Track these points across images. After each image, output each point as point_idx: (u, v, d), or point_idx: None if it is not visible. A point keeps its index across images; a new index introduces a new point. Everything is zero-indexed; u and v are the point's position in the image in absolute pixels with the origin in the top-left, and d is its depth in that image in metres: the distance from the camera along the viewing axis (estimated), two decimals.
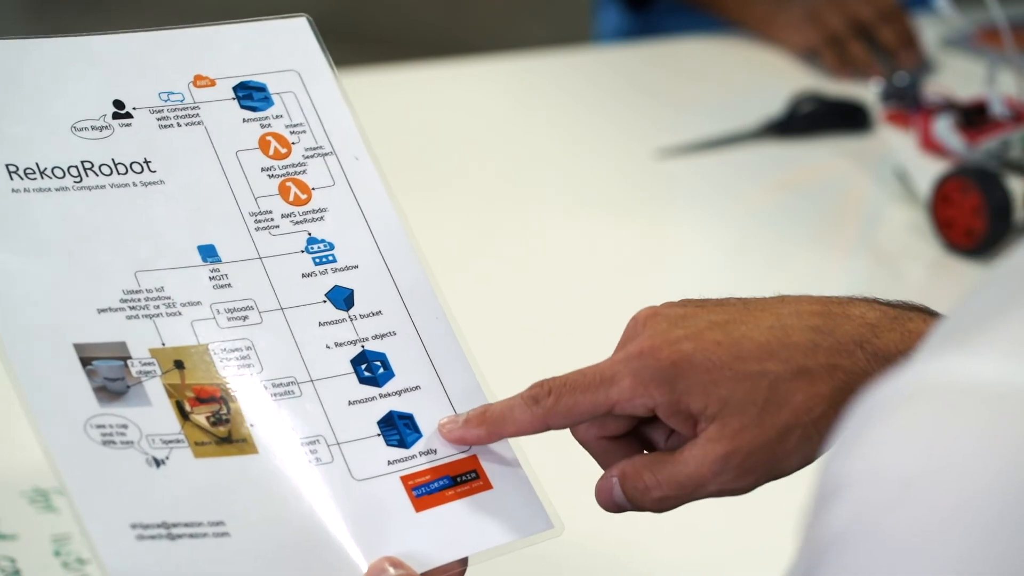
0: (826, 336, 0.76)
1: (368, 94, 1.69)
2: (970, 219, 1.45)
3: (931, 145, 1.55)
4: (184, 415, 0.74)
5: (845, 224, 1.58)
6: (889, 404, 0.52)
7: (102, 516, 0.70)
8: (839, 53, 1.86)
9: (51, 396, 0.72)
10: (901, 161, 1.58)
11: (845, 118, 1.72)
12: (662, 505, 0.77)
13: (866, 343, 0.76)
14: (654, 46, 1.96)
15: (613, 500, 0.77)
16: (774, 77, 1.85)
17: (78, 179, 0.78)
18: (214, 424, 0.74)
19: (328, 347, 0.78)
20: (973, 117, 1.54)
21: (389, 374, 0.79)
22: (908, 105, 1.59)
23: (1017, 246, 0.57)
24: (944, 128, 1.54)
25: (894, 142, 1.60)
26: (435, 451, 0.77)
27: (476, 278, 1.39)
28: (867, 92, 1.72)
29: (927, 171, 1.52)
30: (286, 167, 0.82)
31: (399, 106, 1.74)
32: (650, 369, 0.75)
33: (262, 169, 0.81)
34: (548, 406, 0.76)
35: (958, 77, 1.80)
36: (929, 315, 0.79)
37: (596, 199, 1.59)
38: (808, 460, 0.76)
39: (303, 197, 0.81)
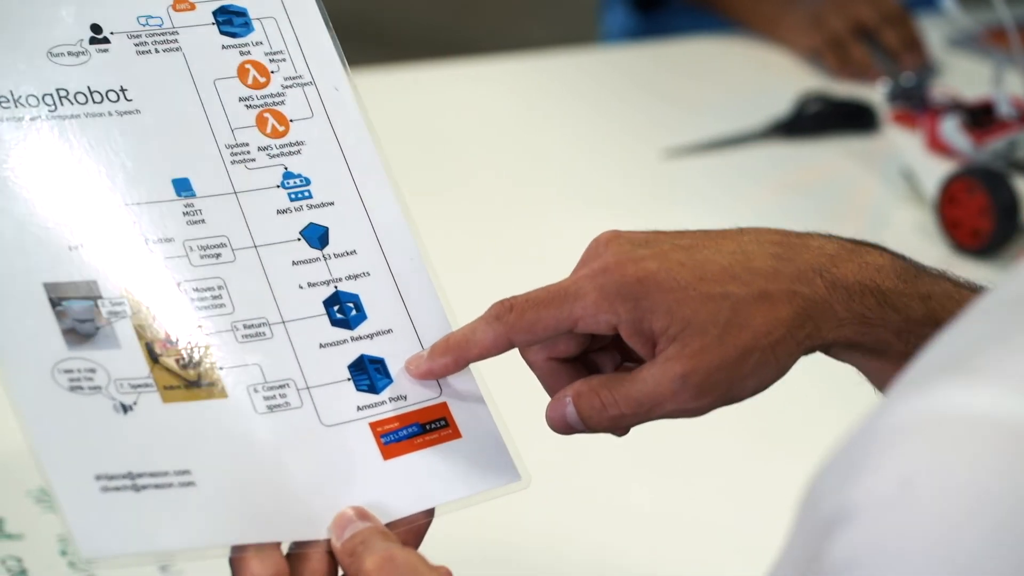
0: (787, 263, 0.77)
1: (373, 94, 1.69)
2: (976, 219, 1.45)
3: (938, 145, 1.55)
4: (154, 358, 0.72)
5: (852, 224, 1.58)
6: (896, 432, 0.52)
7: (67, 468, 0.68)
8: (841, 55, 1.86)
9: (19, 340, 0.70)
10: (908, 161, 1.58)
11: (852, 118, 1.72)
12: (617, 424, 0.76)
13: (825, 272, 0.77)
14: (660, 46, 1.96)
15: (566, 420, 0.77)
16: (781, 77, 1.85)
17: (52, 108, 0.75)
18: (183, 367, 0.72)
19: (301, 287, 0.76)
20: (980, 117, 1.54)
21: (362, 316, 0.77)
22: (915, 105, 1.59)
23: (1013, 271, 0.57)
24: (951, 128, 1.54)
25: (901, 142, 1.60)
26: (405, 397, 0.76)
27: (481, 279, 1.39)
28: (874, 92, 1.72)
29: (934, 171, 1.52)
30: (264, 97, 0.80)
31: (405, 106, 1.74)
32: (615, 284, 0.75)
33: (240, 99, 0.79)
34: (510, 322, 0.76)
35: (965, 77, 1.80)
36: (884, 251, 0.79)
37: (602, 199, 1.58)
38: (762, 386, 0.76)
39: (280, 129, 0.79)
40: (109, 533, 0.67)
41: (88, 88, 0.76)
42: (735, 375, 0.75)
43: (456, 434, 0.76)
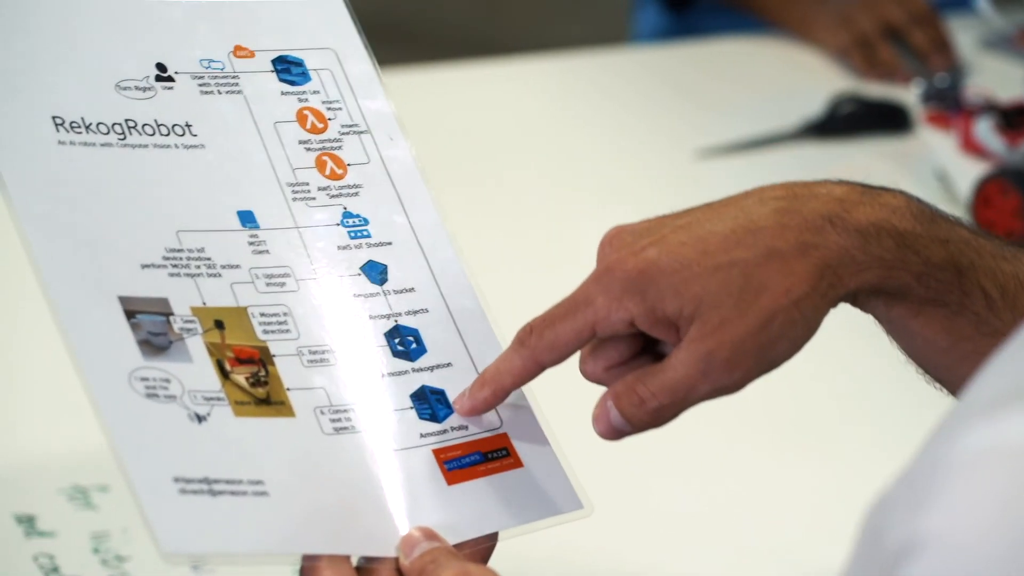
0: (792, 215, 0.74)
1: (403, 94, 1.69)
2: (1010, 221, 1.45)
3: (972, 146, 1.54)
4: (224, 374, 0.74)
5: None
6: (968, 463, 0.51)
7: (146, 469, 0.71)
8: (868, 55, 1.85)
9: (97, 346, 0.73)
10: (941, 162, 1.58)
11: (885, 119, 1.71)
12: (659, 416, 0.75)
13: (836, 218, 0.75)
14: (692, 46, 1.96)
15: (611, 425, 0.76)
16: (813, 77, 1.84)
17: (122, 136, 0.79)
18: (253, 385, 0.75)
19: (362, 319, 0.79)
20: (1014, 119, 1.53)
21: (421, 350, 0.79)
22: (949, 106, 1.58)
23: None
24: (985, 129, 1.53)
25: (934, 143, 1.59)
26: (466, 427, 0.78)
27: (513, 278, 1.38)
28: (907, 93, 1.71)
29: (967, 173, 1.52)
30: (323, 141, 0.83)
31: (435, 106, 1.74)
32: (619, 282, 0.74)
33: (299, 142, 0.82)
34: (533, 344, 0.76)
35: (998, 78, 1.79)
36: (900, 193, 0.77)
37: (634, 200, 1.58)
38: (796, 347, 0.74)
39: (339, 172, 0.82)
40: (187, 532, 0.70)
41: (155, 121, 0.80)
42: (763, 341, 0.73)
43: (518, 463, 0.78)
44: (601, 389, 0.78)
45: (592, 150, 1.70)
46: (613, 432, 0.76)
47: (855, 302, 0.76)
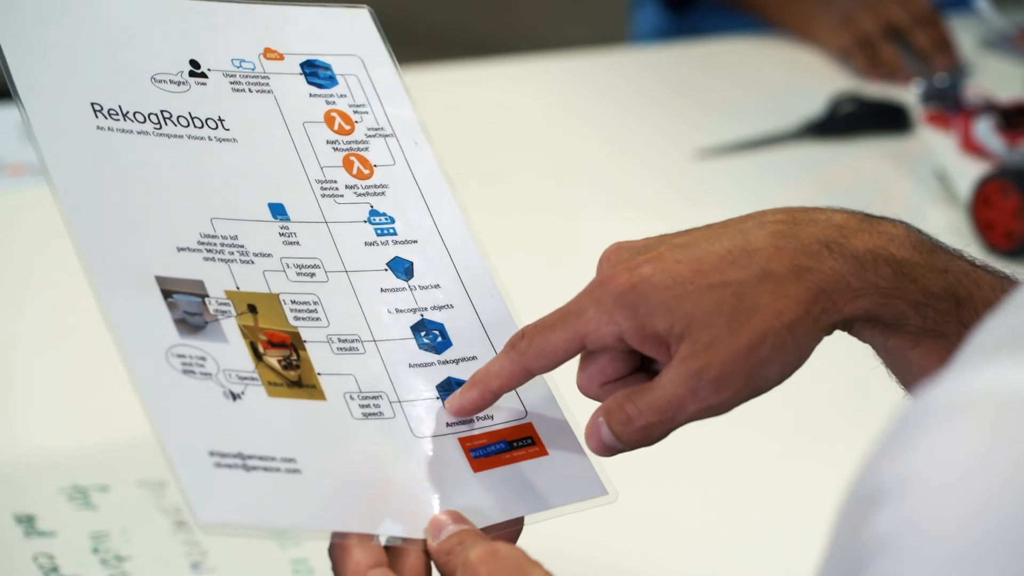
0: (789, 239, 0.74)
1: None
2: (1010, 221, 1.45)
3: (971, 146, 1.54)
4: (258, 356, 0.76)
5: None
6: (941, 411, 0.51)
7: (182, 441, 0.72)
8: (870, 56, 1.85)
9: (135, 323, 0.74)
10: (941, 162, 1.58)
11: (885, 119, 1.71)
12: (647, 434, 0.75)
13: (833, 243, 0.74)
14: (692, 46, 1.96)
15: (602, 441, 0.76)
16: (813, 77, 1.84)
17: (158, 126, 0.81)
18: (285, 368, 0.76)
19: (390, 312, 0.81)
20: (1013, 119, 1.53)
21: (447, 343, 0.81)
22: (949, 106, 1.58)
23: None
24: (984, 129, 1.53)
25: (934, 143, 1.59)
26: (491, 417, 0.79)
27: (512, 277, 1.38)
28: (907, 93, 1.71)
29: (967, 172, 1.52)
30: (350, 142, 0.85)
31: (435, 106, 1.73)
32: (611, 295, 0.74)
33: (327, 142, 0.85)
34: (523, 349, 0.77)
35: (998, 79, 1.79)
36: (899, 223, 0.77)
37: (634, 200, 1.58)
38: (786, 371, 0.74)
39: (366, 172, 0.85)
40: (222, 504, 0.71)
41: (189, 114, 0.82)
42: (753, 362, 0.73)
43: (543, 451, 0.79)
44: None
45: (592, 150, 1.70)
46: (604, 448, 0.77)
47: (851, 331, 0.76)
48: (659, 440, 0.76)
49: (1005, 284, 0.77)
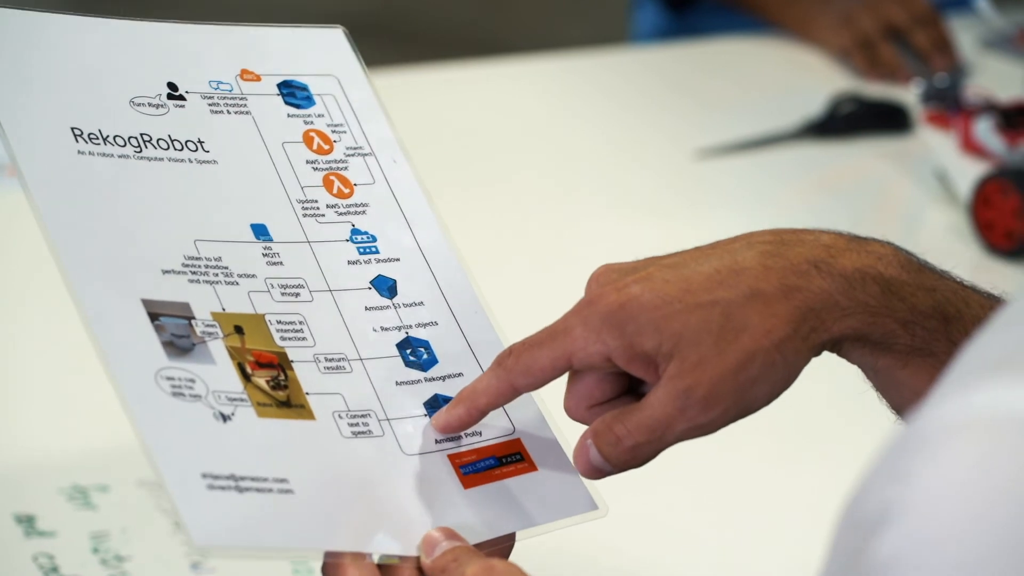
0: (777, 259, 0.75)
1: (403, 94, 1.69)
2: (1010, 221, 1.45)
3: (971, 146, 1.54)
4: (246, 377, 0.76)
5: (885, 225, 1.57)
6: (939, 432, 0.51)
7: (176, 464, 0.73)
8: (870, 56, 1.86)
9: (124, 346, 0.75)
10: (941, 162, 1.58)
11: (885, 119, 1.71)
12: (636, 455, 0.75)
13: (821, 263, 0.74)
14: (692, 46, 1.96)
15: (591, 463, 0.76)
16: (813, 78, 1.84)
17: (138, 149, 0.81)
18: (273, 388, 0.77)
19: (375, 330, 0.81)
20: (1013, 119, 1.53)
21: (433, 360, 0.81)
22: (948, 106, 1.58)
23: None
24: (984, 130, 1.53)
25: (934, 143, 1.59)
26: (480, 433, 0.79)
27: (513, 279, 1.39)
28: (907, 93, 1.71)
29: (967, 172, 1.52)
30: (329, 162, 0.86)
31: (435, 106, 1.74)
32: (599, 314, 0.74)
33: (307, 161, 0.85)
34: (510, 367, 0.77)
35: (998, 79, 1.79)
36: (887, 243, 0.77)
37: (634, 200, 1.58)
38: (775, 391, 0.74)
39: (346, 191, 0.85)
40: (217, 526, 0.72)
41: (169, 136, 0.82)
42: (741, 381, 0.73)
43: (532, 467, 0.79)
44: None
45: (591, 150, 1.70)
46: (593, 470, 0.76)
47: (841, 351, 0.76)
48: (648, 461, 0.76)
49: (993, 303, 0.77)
